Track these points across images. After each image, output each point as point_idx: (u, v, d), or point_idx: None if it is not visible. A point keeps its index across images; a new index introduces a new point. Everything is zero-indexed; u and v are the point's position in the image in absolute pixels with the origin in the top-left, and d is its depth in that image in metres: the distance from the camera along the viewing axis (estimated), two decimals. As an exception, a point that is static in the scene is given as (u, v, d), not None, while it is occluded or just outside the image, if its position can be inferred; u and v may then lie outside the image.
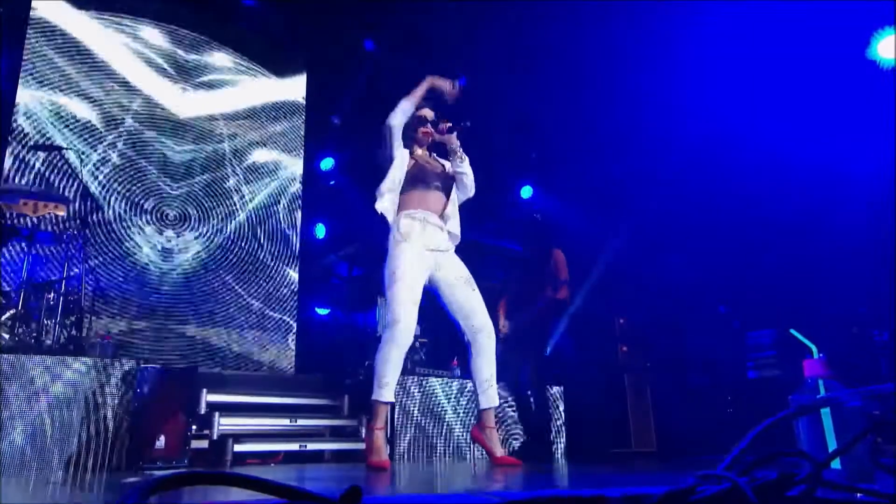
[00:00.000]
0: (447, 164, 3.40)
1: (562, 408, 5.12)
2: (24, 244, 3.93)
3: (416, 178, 3.25)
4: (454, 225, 3.33)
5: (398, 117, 3.20)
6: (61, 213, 3.41)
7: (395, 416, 4.06)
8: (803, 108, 5.25)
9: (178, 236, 5.68)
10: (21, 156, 4.97)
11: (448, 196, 3.34)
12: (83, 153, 5.20)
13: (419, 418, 4.23)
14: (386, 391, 2.97)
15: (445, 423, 4.35)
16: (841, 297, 5.16)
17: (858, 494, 1.00)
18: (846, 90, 5.17)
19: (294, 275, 6.28)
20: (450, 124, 3.31)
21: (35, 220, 3.68)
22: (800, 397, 1.35)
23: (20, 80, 5.11)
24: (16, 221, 3.72)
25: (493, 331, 3.20)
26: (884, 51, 5.03)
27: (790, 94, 5.26)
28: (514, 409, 4.78)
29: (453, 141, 3.33)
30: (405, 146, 3.28)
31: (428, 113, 3.36)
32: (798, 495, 0.92)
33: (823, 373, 1.36)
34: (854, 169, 5.12)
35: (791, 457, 1.05)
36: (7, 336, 3.41)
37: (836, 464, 1.26)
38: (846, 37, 5.10)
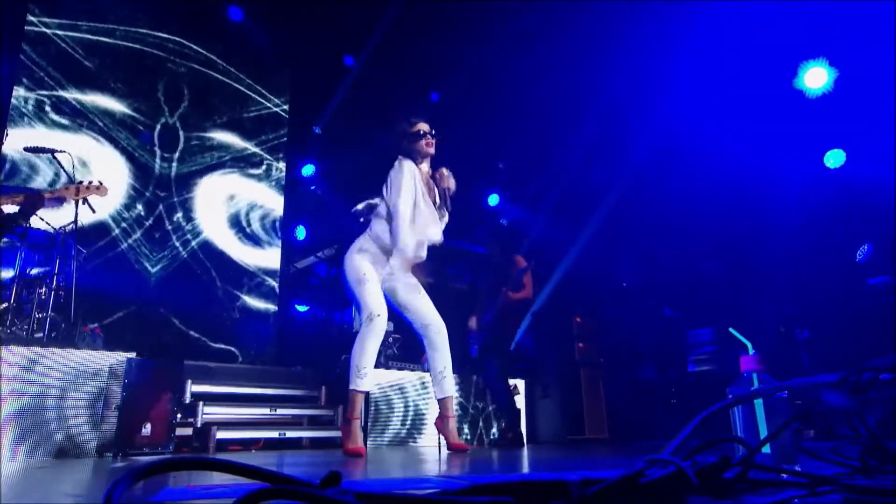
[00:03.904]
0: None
1: (523, 398, 5.16)
2: (16, 241, 3.79)
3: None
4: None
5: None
6: (104, 194, 3.29)
7: (370, 405, 4.04)
8: (740, 130, 5.41)
9: (163, 239, 5.55)
10: (16, 158, 4.80)
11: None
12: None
13: (392, 408, 4.21)
14: (364, 381, 2.95)
15: (416, 413, 4.33)
16: (771, 300, 5.32)
17: (784, 475, 1.03)
18: (778, 114, 5.34)
19: (246, 298, 6.02)
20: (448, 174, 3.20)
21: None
22: (737, 389, 1.39)
23: (16, 85, 4.94)
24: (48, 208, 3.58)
25: (441, 327, 3.21)
26: (809, 80, 5.21)
27: (729, 118, 5.41)
28: (489, 402, 4.80)
29: (452, 188, 3.22)
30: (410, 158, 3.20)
31: (425, 126, 3.24)
32: (734, 477, 0.94)
33: (757, 367, 1.40)
34: (783, 188, 5.30)
35: (728, 442, 1.07)
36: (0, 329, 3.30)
37: (766, 448, 1.30)
38: (777, 68, 5.28)
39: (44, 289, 3.57)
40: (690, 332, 6.00)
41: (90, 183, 3.20)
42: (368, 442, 3.94)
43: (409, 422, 4.27)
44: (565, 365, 5.88)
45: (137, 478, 0.61)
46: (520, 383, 5.16)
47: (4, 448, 2.70)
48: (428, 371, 4.60)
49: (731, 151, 5.41)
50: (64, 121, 5.16)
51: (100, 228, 5.13)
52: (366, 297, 3.02)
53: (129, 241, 5.34)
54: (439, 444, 4.08)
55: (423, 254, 3.14)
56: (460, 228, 7.11)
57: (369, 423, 4.02)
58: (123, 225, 5.34)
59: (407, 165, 3.14)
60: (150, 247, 5.44)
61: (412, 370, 4.51)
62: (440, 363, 3.17)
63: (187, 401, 3.43)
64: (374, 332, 2.97)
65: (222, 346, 5.65)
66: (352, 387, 2.95)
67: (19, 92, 4.96)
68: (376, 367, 4.18)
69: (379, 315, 2.99)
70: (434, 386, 3.18)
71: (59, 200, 3.29)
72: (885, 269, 4.71)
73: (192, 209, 5.81)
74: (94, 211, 3.80)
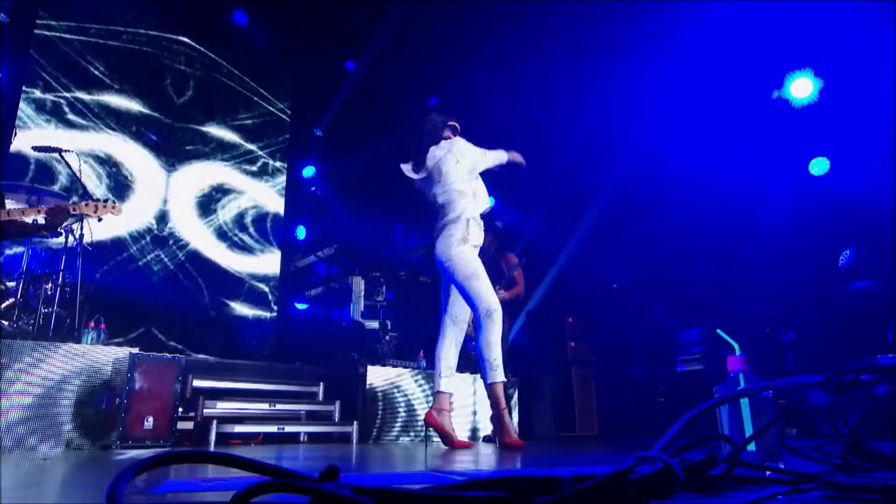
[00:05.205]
0: None
1: (516, 396, 5.15)
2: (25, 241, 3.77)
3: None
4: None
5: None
6: (119, 213, 3.30)
7: (368, 403, 4.02)
8: (727, 137, 5.43)
9: (164, 239, 5.53)
10: (22, 157, 4.78)
11: None
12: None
13: (388, 405, 4.20)
14: (501, 371, 2.96)
15: (412, 410, 4.32)
16: (757, 302, 5.33)
17: (767, 472, 1.03)
18: (764, 123, 5.36)
19: (235, 305, 5.99)
20: None
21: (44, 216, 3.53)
22: (724, 389, 1.39)
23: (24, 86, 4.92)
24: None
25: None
26: (795, 90, 5.23)
27: (716, 125, 5.43)
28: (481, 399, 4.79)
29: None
30: None
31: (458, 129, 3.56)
32: (720, 473, 0.95)
33: (743, 368, 1.40)
34: (770, 194, 5.32)
35: (715, 440, 1.08)
36: (6, 323, 3.28)
37: (751, 446, 1.30)
38: (765, 77, 5.30)
39: (50, 284, 3.55)
40: (680, 332, 6.01)
41: (106, 202, 3.22)
42: (366, 438, 3.93)
43: (405, 419, 4.26)
44: (557, 364, 5.88)
45: (140, 470, 0.61)
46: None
47: (7, 441, 2.69)
48: (423, 368, 4.61)
49: (720, 158, 5.43)
50: (71, 121, 5.14)
51: (104, 228, 5.11)
52: (481, 293, 3.03)
53: (133, 242, 5.32)
54: (431, 439, 4.08)
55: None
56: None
57: (377, 420, 4.02)
58: (127, 226, 5.31)
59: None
60: (153, 249, 5.42)
61: (406, 367, 4.50)
62: (454, 359, 3.20)
63: (189, 395, 3.42)
64: (497, 326, 2.99)
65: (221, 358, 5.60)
66: (496, 380, 2.96)
67: (27, 94, 4.94)
68: (374, 364, 4.20)
69: (497, 310, 3.02)
70: (439, 378, 3.17)
71: (80, 216, 3.32)
72: (867, 273, 4.74)
73: (195, 211, 5.79)
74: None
